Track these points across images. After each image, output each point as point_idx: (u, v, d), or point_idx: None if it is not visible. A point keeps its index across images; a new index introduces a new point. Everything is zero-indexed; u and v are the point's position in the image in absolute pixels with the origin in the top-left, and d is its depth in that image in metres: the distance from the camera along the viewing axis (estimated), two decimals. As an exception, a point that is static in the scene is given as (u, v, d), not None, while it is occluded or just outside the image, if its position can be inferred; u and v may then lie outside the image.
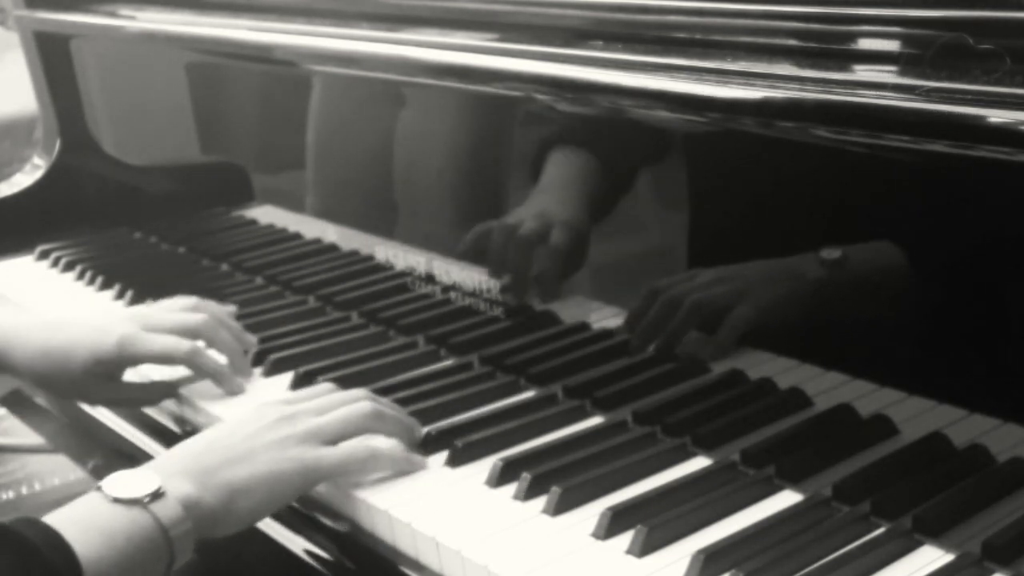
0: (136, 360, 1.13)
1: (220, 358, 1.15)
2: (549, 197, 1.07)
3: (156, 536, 0.84)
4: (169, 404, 1.15)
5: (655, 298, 0.99)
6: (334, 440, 0.94)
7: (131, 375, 1.15)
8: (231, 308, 1.24)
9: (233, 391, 1.13)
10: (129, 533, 0.83)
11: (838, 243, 0.85)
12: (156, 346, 1.11)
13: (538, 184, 1.07)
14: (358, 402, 0.97)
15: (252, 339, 1.20)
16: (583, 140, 1.03)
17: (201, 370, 1.12)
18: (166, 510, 0.84)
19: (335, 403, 0.97)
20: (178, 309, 1.18)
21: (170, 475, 0.87)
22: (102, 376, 1.12)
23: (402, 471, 0.94)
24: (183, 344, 1.12)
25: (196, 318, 1.15)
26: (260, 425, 0.93)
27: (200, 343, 1.13)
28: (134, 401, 1.17)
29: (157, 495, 0.85)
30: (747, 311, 0.93)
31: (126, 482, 0.85)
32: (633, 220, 1.02)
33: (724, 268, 0.94)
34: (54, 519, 0.82)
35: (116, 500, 0.84)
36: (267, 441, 0.91)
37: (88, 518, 0.83)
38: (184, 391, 1.14)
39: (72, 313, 1.36)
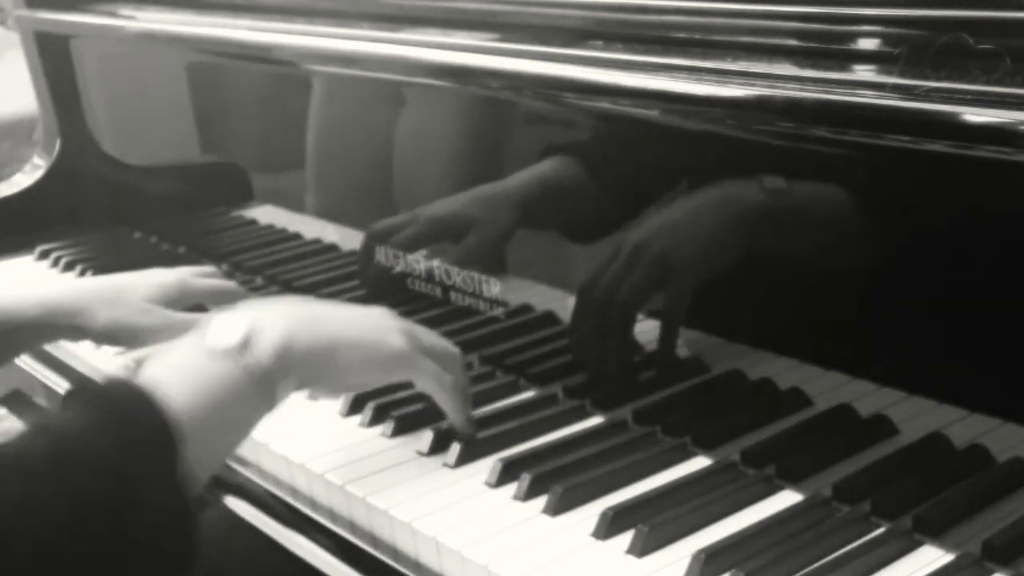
0: (192, 298, 1.21)
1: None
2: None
3: (248, 385, 0.84)
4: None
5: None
6: (428, 355, 0.96)
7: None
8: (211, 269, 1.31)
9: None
10: (222, 384, 0.83)
11: (838, 243, 0.85)
12: (211, 285, 1.24)
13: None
14: (454, 349, 1.00)
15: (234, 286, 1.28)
16: (571, 144, 1.03)
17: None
18: (257, 360, 0.85)
19: (435, 336, 1.00)
20: (209, 273, 1.27)
21: (269, 322, 0.87)
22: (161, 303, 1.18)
23: (458, 418, 0.97)
24: (229, 283, 1.25)
25: (232, 286, 1.26)
26: (370, 309, 0.97)
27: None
28: (198, 296, 1.23)
29: (249, 343, 0.85)
30: (693, 250, 0.94)
31: (222, 330, 0.86)
32: (633, 220, 1.02)
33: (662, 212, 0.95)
34: (151, 372, 0.82)
35: (211, 349, 0.85)
36: (373, 320, 0.95)
37: (184, 368, 0.84)
38: None
39: None
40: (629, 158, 1.00)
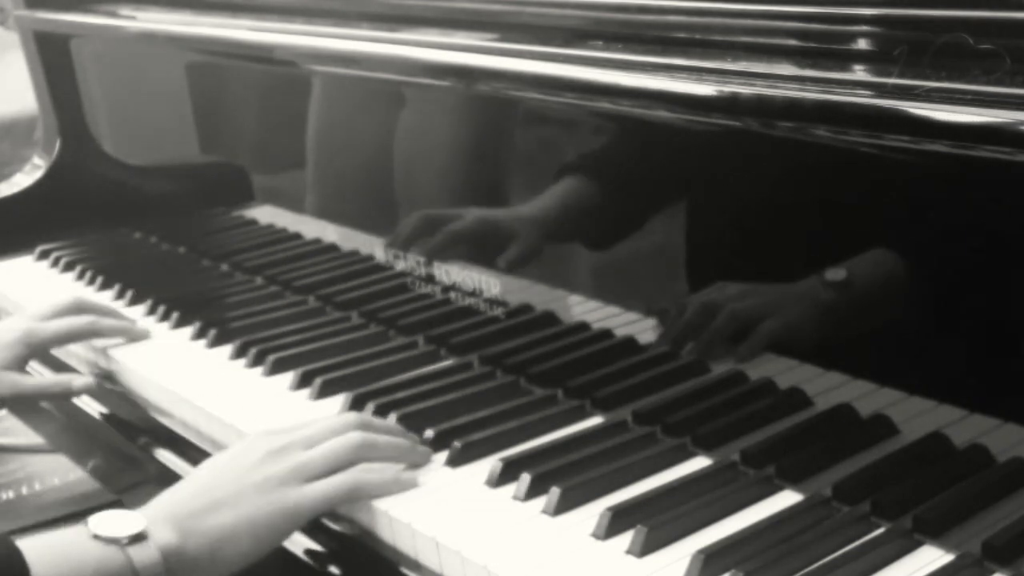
0: (41, 346, 1.24)
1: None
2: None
3: None
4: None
5: (688, 306, 0.98)
6: (321, 475, 0.92)
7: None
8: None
9: (140, 336, 1.28)
10: (98, 569, 0.83)
11: (841, 244, 0.85)
12: (61, 328, 1.24)
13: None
14: (348, 433, 0.95)
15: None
16: (572, 145, 1.03)
17: (108, 332, 1.27)
18: (143, 555, 0.84)
19: (327, 432, 0.95)
20: (61, 309, 1.28)
21: (157, 520, 0.87)
22: (8, 370, 1.20)
23: (392, 491, 0.93)
24: (80, 320, 1.26)
25: (80, 320, 1.26)
26: (247, 465, 0.92)
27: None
28: (37, 394, 1.25)
29: (138, 538, 0.85)
30: (774, 324, 0.92)
31: (113, 521, 0.86)
32: (632, 220, 1.02)
33: (747, 283, 0.94)
34: (31, 542, 0.83)
35: (96, 536, 0.85)
36: (252, 483, 0.91)
37: (64, 547, 0.84)
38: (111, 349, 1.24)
39: None
40: (637, 160, 1.00)
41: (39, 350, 1.23)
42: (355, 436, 0.95)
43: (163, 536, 0.86)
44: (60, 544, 0.85)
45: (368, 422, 0.99)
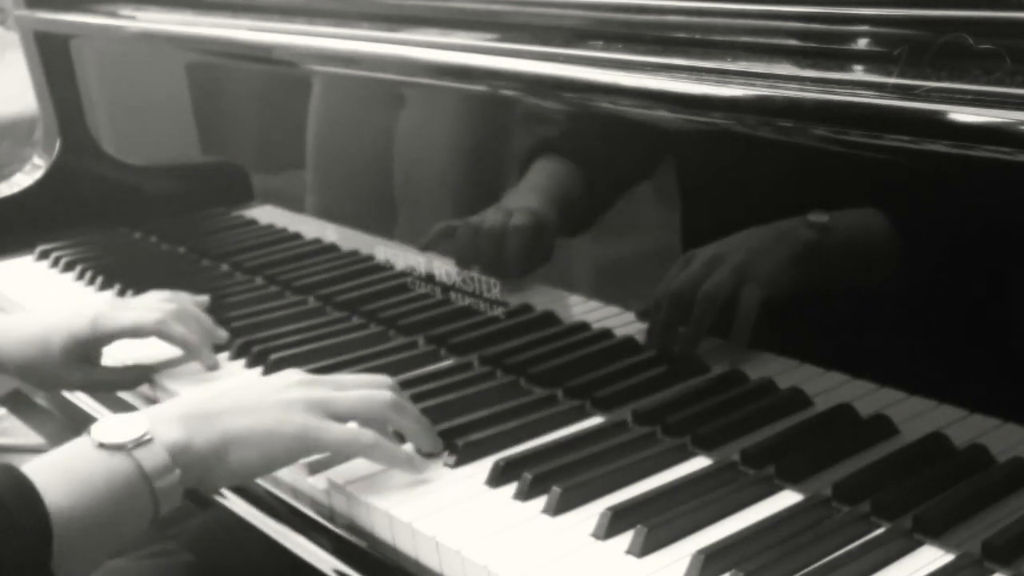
0: (109, 334, 1.15)
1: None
2: (521, 194, 1.07)
3: (137, 482, 0.83)
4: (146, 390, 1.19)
5: (662, 299, 0.98)
6: (344, 418, 0.92)
7: (108, 360, 1.19)
8: (204, 299, 1.27)
9: (208, 365, 1.16)
10: (109, 478, 0.82)
11: (838, 244, 0.85)
12: (126, 319, 1.15)
13: (518, 185, 1.07)
14: (381, 389, 0.95)
15: (223, 333, 1.23)
16: (572, 144, 1.03)
17: (171, 338, 1.16)
18: (151, 457, 0.83)
19: (359, 383, 0.96)
20: (153, 300, 1.21)
21: (164, 420, 0.86)
22: (79, 357, 1.15)
23: (403, 467, 0.93)
24: (152, 314, 1.15)
25: (166, 304, 1.19)
26: (276, 385, 0.93)
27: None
28: (110, 384, 1.20)
29: (143, 441, 0.84)
30: (755, 289, 0.92)
31: (115, 427, 0.85)
32: (633, 220, 1.02)
33: (717, 248, 0.93)
34: (37, 464, 0.82)
35: (101, 445, 0.83)
36: (276, 399, 0.91)
37: (70, 463, 0.83)
38: (161, 377, 1.17)
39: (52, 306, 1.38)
40: (624, 157, 1.00)
41: (106, 340, 1.16)
42: (387, 394, 0.95)
43: (169, 434, 0.85)
44: (66, 461, 0.83)
45: (398, 391, 0.98)
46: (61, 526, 0.78)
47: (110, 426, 0.85)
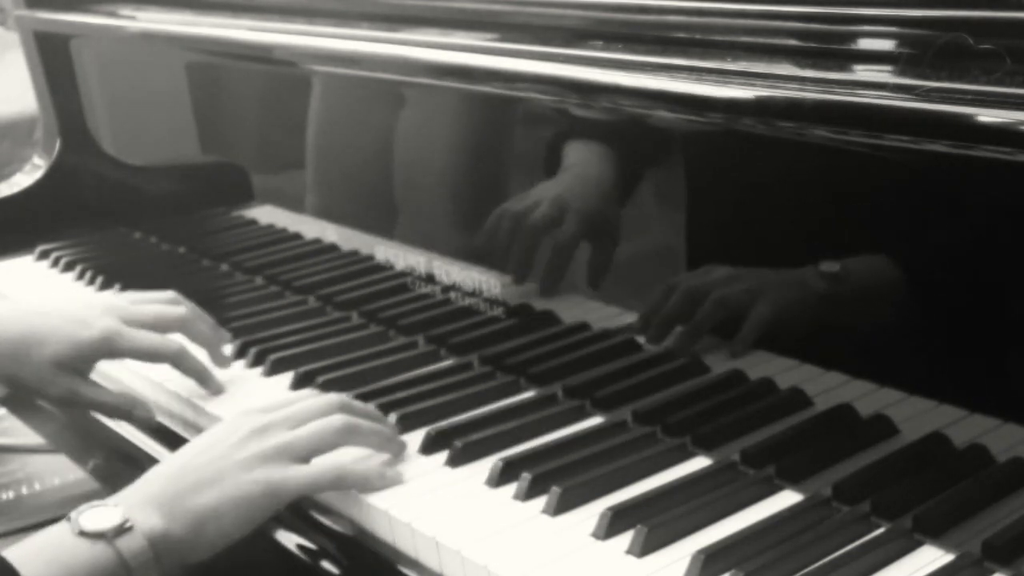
0: (120, 356, 1.13)
1: (199, 353, 1.16)
2: (569, 183, 1.05)
3: (118, 572, 0.84)
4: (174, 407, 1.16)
5: (673, 293, 0.98)
6: (306, 456, 0.93)
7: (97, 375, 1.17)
8: (171, 294, 1.22)
9: (215, 391, 1.13)
10: (91, 568, 0.83)
11: (839, 242, 0.85)
12: (144, 344, 1.12)
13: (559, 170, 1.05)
14: (332, 416, 0.95)
15: (226, 334, 1.22)
16: (597, 139, 1.03)
17: (187, 370, 1.13)
18: (131, 545, 0.84)
19: (311, 413, 0.95)
20: (154, 301, 1.18)
21: (139, 506, 0.87)
22: (69, 370, 1.12)
23: (376, 486, 0.93)
24: (171, 344, 1.12)
25: (176, 311, 1.16)
26: (231, 443, 0.92)
27: (181, 339, 1.15)
28: (96, 405, 1.15)
29: (123, 529, 0.85)
30: (765, 310, 0.92)
31: (95, 515, 0.86)
32: (633, 219, 1.02)
33: (738, 268, 0.94)
34: (19, 550, 0.83)
35: (82, 533, 0.84)
36: (236, 461, 0.90)
37: (52, 551, 0.84)
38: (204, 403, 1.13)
39: (50, 303, 1.31)
40: (632, 157, 1.00)
41: (113, 356, 1.14)
42: (339, 419, 0.95)
43: (147, 521, 0.86)
44: (48, 548, 0.84)
45: (349, 404, 0.98)
46: None
47: (90, 513, 0.86)
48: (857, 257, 0.85)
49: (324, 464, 0.93)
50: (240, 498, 0.89)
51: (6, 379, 1.17)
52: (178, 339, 1.15)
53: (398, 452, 0.97)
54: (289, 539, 0.94)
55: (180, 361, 1.12)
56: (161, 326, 1.14)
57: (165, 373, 1.15)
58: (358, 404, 1.00)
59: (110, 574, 0.84)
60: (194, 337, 1.16)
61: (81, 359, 1.12)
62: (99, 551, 0.84)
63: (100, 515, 0.86)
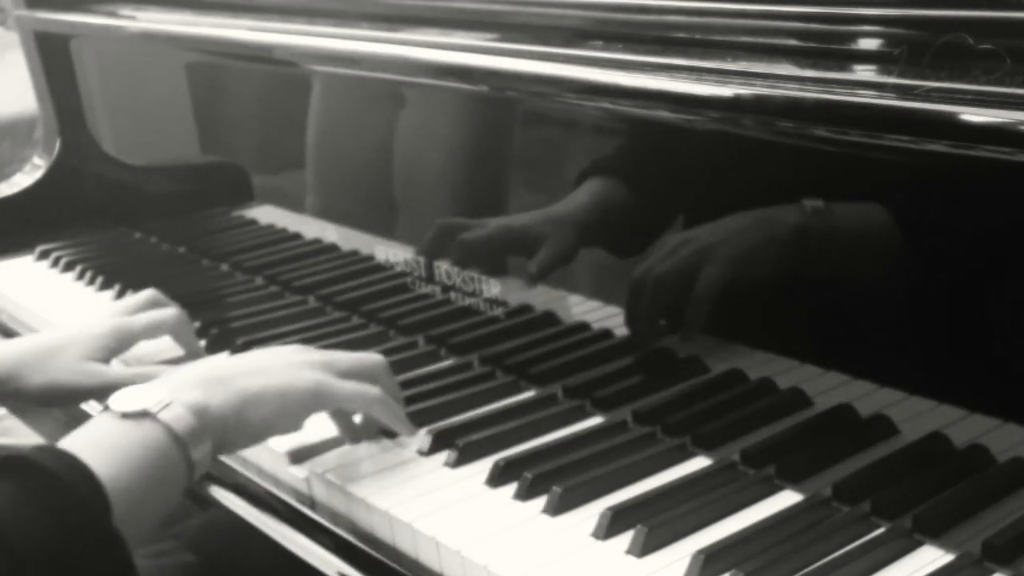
0: (132, 340, 1.16)
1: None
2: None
3: (170, 444, 0.84)
4: None
5: (645, 283, 0.99)
6: (346, 375, 0.96)
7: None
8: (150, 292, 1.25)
9: None
10: (144, 445, 0.83)
11: (838, 245, 0.85)
12: (147, 321, 1.16)
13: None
14: (371, 387, 0.98)
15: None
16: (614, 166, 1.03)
17: (184, 343, 1.19)
18: (176, 419, 0.85)
19: (355, 367, 0.98)
20: (138, 308, 1.20)
21: (181, 386, 0.88)
22: (97, 360, 1.14)
23: (397, 426, 0.98)
24: (168, 312, 1.18)
25: (167, 312, 1.19)
26: (281, 351, 0.96)
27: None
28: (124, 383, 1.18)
29: (165, 405, 0.85)
30: (716, 271, 0.93)
31: (134, 396, 0.86)
32: (632, 220, 1.02)
33: (691, 232, 0.94)
34: (68, 443, 0.82)
35: (125, 415, 0.84)
36: (285, 360, 0.94)
37: (101, 437, 0.83)
38: None
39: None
40: (639, 162, 1.00)
41: (127, 343, 1.16)
42: (381, 357, 1.01)
43: (188, 396, 0.87)
44: (99, 437, 0.83)
45: (388, 371, 1.01)
46: (113, 495, 0.79)
47: (129, 396, 0.86)
48: (844, 206, 0.85)
49: (367, 386, 0.96)
50: (287, 388, 0.91)
51: (40, 386, 1.16)
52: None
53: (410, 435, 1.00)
54: (289, 539, 0.94)
55: (179, 328, 1.18)
56: (153, 328, 1.18)
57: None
58: (392, 378, 1.02)
59: (165, 448, 0.84)
60: (179, 337, 1.20)
61: (100, 349, 1.14)
62: (147, 429, 0.84)
63: (137, 396, 0.86)
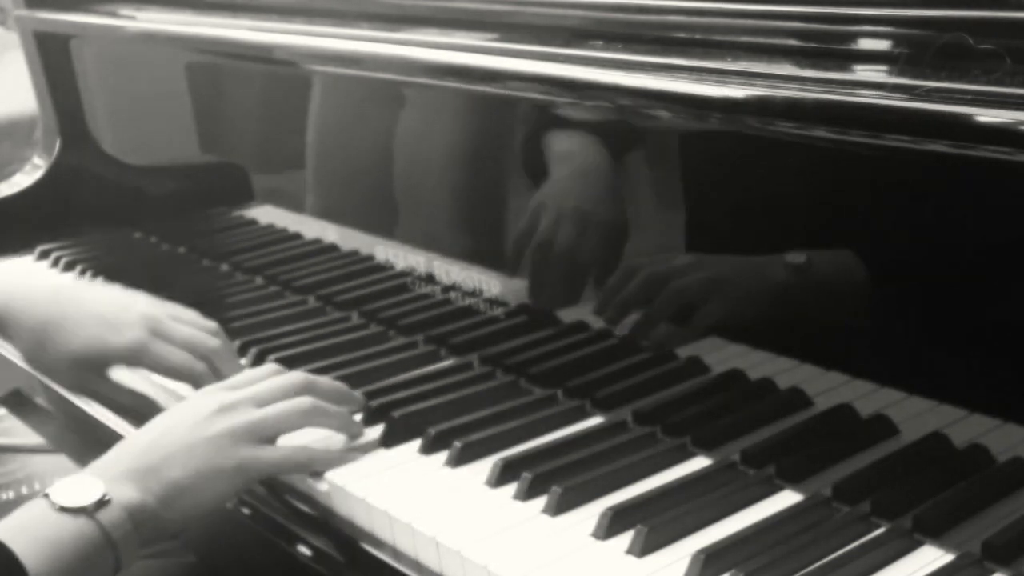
0: (144, 366, 1.14)
1: None
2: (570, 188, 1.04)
3: (102, 544, 0.85)
4: None
5: (633, 276, 0.99)
6: (272, 436, 0.95)
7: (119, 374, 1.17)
8: (213, 325, 1.20)
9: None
10: (76, 542, 0.84)
11: (837, 241, 0.85)
12: (168, 361, 1.12)
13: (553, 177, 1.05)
14: (300, 398, 0.97)
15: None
16: (587, 148, 1.02)
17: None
18: (111, 517, 0.86)
19: (276, 392, 0.97)
20: (193, 324, 1.16)
21: (114, 479, 0.88)
22: (87, 367, 1.14)
23: (338, 463, 0.96)
24: (197, 367, 1.12)
25: (210, 341, 1.14)
26: (199, 418, 0.93)
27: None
28: (103, 401, 1.17)
29: (102, 502, 0.86)
30: (719, 305, 0.94)
31: (72, 489, 0.87)
32: (632, 220, 1.02)
33: (705, 258, 0.94)
34: (5, 528, 0.83)
35: (63, 509, 0.85)
36: (206, 436, 0.92)
37: (35, 528, 0.85)
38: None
39: (82, 292, 1.28)
40: (628, 157, 1.00)
41: (142, 366, 1.14)
42: (306, 401, 0.97)
43: (124, 494, 0.87)
44: (32, 525, 0.85)
45: (313, 383, 1.00)
46: None
47: (68, 488, 0.87)
48: (822, 253, 0.85)
49: (293, 450, 0.96)
50: (212, 473, 0.91)
51: (31, 359, 1.19)
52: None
53: (357, 434, 1.00)
54: (289, 540, 0.94)
55: (200, 383, 1.10)
56: (190, 350, 1.13)
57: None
58: (323, 381, 1.02)
59: (95, 546, 0.85)
60: (219, 372, 1.13)
61: (102, 362, 1.14)
62: (82, 525, 0.85)
63: (77, 490, 0.87)
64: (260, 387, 0.97)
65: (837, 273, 0.85)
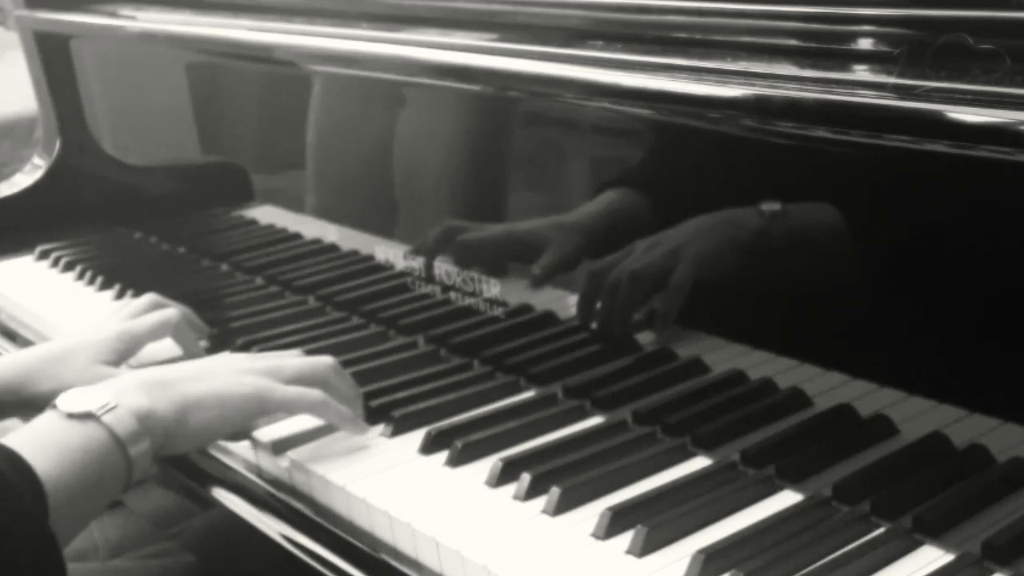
0: (138, 342, 1.16)
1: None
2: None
3: (112, 447, 0.86)
4: None
5: (597, 281, 1.01)
6: (291, 381, 0.98)
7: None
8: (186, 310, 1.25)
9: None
10: (85, 446, 0.85)
11: (837, 244, 0.85)
12: (149, 324, 1.17)
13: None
14: (312, 390, 0.99)
15: (205, 328, 1.26)
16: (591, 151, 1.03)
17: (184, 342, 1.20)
18: (119, 421, 0.87)
19: (299, 373, 1.00)
20: (145, 307, 1.20)
21: (126, 390, 0.90)
22: (107, 364, 1.14)
23: (347, 428, 0.99)
24: (169, 313, 1.19)
25: (170, 312, 1.20)
26: (227, 358, 1.00)
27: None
28: None
29: (110, 408, 0.87)
30: (686, 268, 0.94)
31: (80, 398, 0.88)
32: (631, 220, 1.02)
33: (662, 233, 0.95)
34: (11, 440, 0.84)
35: (70, 415, 0.86)
36: (229, 367, 0.97)
37: (44, 435, 0.86)
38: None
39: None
40: (628, 156, 1.00)
41: (135, 346, 1.17)
42: (328, 358, 1.03)
43: (133, 401, 0.89)
44: (42, 434, 0.86)
45: (338, 371, 1.03)
46: (51, 493, 0.82)
47: (76, 397, 0.88)
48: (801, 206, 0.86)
49: (309, 390, 0.98)
50: (227, 394, 0.94)
51: (53, 391, 1.16)
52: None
53: (363, 427, 1.01)
54: (289, 540, 0.94)
55: (181, 329, 1.19)
56: (159, 332, 1.18)
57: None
58: (343, 378, 1.03)
59: (104, 449, 0.86)
60: (181, 342, 1.20)
61: (110, 352, 1.14)
62: (91, 430, 0.86)
63: (84, 397, 0.88)
64: (284, 353, 1.02)
65: (815, 223, 0.85)
